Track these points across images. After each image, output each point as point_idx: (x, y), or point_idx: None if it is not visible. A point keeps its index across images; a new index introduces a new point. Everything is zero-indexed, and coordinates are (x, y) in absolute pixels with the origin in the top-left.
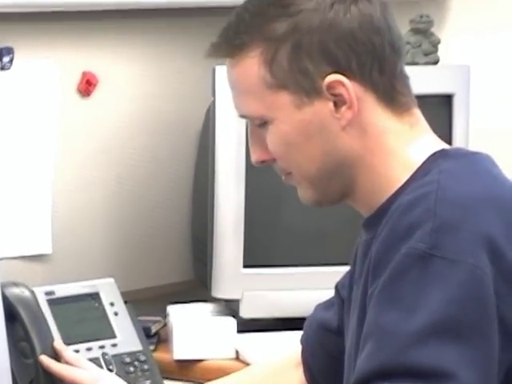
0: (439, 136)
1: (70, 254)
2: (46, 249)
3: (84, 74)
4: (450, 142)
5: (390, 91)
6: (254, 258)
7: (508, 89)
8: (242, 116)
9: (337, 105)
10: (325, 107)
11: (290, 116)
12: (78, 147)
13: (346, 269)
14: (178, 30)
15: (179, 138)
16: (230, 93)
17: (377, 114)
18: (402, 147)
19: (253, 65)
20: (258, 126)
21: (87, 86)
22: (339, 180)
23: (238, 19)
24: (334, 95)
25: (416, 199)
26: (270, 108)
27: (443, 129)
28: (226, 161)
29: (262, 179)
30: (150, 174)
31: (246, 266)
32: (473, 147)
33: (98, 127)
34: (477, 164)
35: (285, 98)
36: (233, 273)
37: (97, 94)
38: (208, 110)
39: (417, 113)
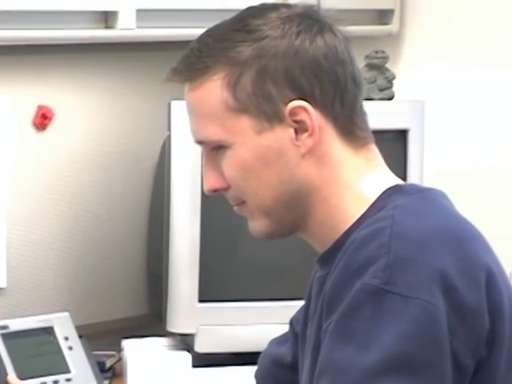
0: (394, 171)
1: (25, 288)
2: (0, 282)
3: (39, 107)
4: (404, 176)
5: (350, 124)
6: (209, 293)
7: (462, 123)
8: (199, 141)
9: (297, 132)
10: (285, 133)
11: (249, 141)
12: (32, 181)
13: (300, 303)
14: (132, 63)
15: (134, 172)
16: (188, 121)
17: (335, 146)
18: (358, 181)
19: (215, 87)
20: (214, 152)
21: (42, 119)
22: (294, 211)
23: (200, 44)
24: (296, 122)
25: (371, 234)
26: (229, 132)
27: (398, 164)
28: (182, 195)
29: (217, 213)
30: (104, 207)
31: (201, 300)
32: (427, 182)
33: (53, 160)
34: (430, 200)
35: (245, 123)
36: (188, 307)
37: (52, 127)
38: (163, 144)
39: (373, 148)
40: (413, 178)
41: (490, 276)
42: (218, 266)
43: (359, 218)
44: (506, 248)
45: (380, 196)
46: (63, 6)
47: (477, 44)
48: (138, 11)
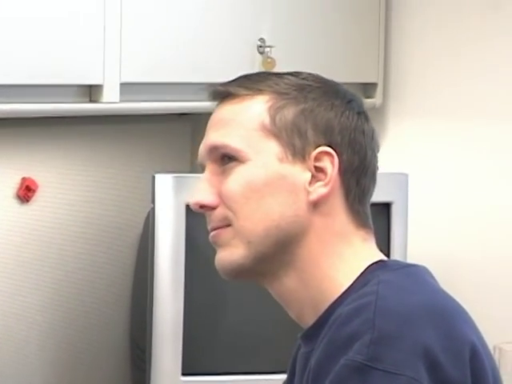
0: (377, 243)
1: (7, 362)
2: None
3: (23, 179)
4: (388, 249)
5: (357, 204)
6: (192, 366)
7: (446, 196)
8: (213, 147)
9: (314, 178)
10: (303, 174)
11: (268, 164)
12: (14, 252)
13: (285, 377)
14: (116, 136)
15: (118, 244)
16: (208, 132)
17: (340, 213)
18: (349, 255)
19: (258, 104)
20: (221, 164)
21: (26, 191)
22: (279, 252)
23: (256, 74)
24: (316, 168)
25: (355, 310)
26: (252, 148)
27: (382, 236)
28: (165, 267)
29: (201, 286)
30: (87, 279)
31: (184, 373)
32: (411, 255)
33: (36, 232)
34: (414, 275)
35: (272, 147)
36: (171, 381)
37: (36, 199)
38: (147, 217)
39: (371, 237)
40: (396, 250)
41: (475, 352)
42: (202, 338)
43: (343, 293)
44: (488, 323)
45: (364, 271)
46: (48, 80)
47: (461, 117)
48: (122, 85)
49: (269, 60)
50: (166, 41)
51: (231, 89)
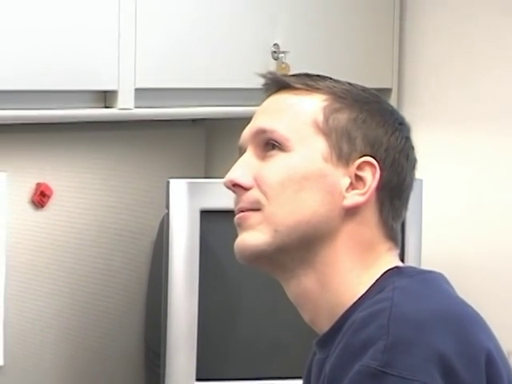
0: None
1: (22, 366)
2: None
3: (38, 185)
4: (402, 254)
5: (392, 218)
6: (206, 371)
7: (461, 202)
8: (261, 130)
9: (351, 185)
10: (342, 178)
11: (311, 158)
12: (29, 258)
13: (299, 382)
14: (131, 142)
15: (132, 249)
16: (260, 114)
17: (373, 224)
18: (371, 261)
19: (314, 102)
20: (264, 148)
21: (41, 197)
22: (303, 248)
23: (313, 74)
24: (357, 176)
25: (370, 316)
26: (300, 139)
27: None
28: (180, 272)
29: (215, 291)
30: (102, 284)
31: (198, 379)
32: (425, 261)
33: (51, 238)
34: (430, 282)
35: (320, 144)
36: None
37: (51, 205)
38: (161, 223)
39: (397, 248)
40: (411, 256)
41: (490, 359)
42: (216, 343)
43: (358, 299)
44: (503, 329)
45: (380, 277)
46: (63, 85)
47: (476, 123)
48: (137, 90)
49: (283, 65)
50: (181, 47)
51: (291, 80)
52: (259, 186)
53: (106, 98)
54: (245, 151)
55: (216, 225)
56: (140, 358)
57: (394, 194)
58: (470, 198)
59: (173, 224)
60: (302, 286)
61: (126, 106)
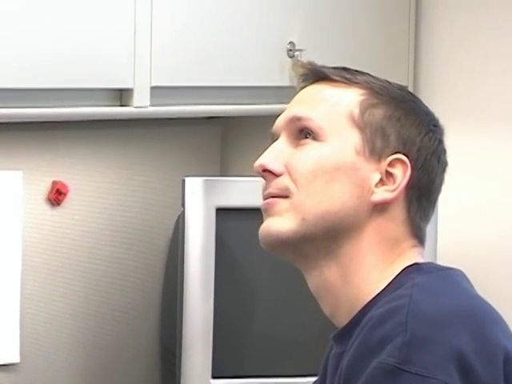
0: None
1: (38, 366)
2: (14, 357)
3: (54, 183)
4: None
5: (420, 218)
6: (222, 369)
7: (479, 199)
8: (296, 117)
9: (381, 181)
10: (373, 174)
11: (344, 150)
12: (45, 257)
13: None
14: (146, 140)
15: (148, 248)
16: (295, 104)
17: (400, 222)
18: (394, 257)
19: (352, 95)
20: (297, 136)
21: (57, 195)
22: (328, 238)
23: (351, 69)
24: (387, 173)
25: (388, 312)
26: (334, 130)
27: None
28: (195, 271)
29: (231, 289)
30: (117, 284)
31: (214, 376)
32: (441, 254)
33: (67, 236)
34: (449, 279)
35: (353, 137)
36: (201, 383)
37: (67, 203)
38: (177, 221)
39: (422, 247)
40: (426, 250)
41: (509, 357)
42: (232, 341)
43: (377, 295)
44: None
45: (399, 274)
46: (79, 84)
47: (494, 121)
48: (152, 89)
49: (299, 64)
50: (196, 45)
51: (329, 72)
52: (290, 174)
53: (122, 96)
54: (277, 138)
55: (232, 223)
56: (156, 357)
57: (423, 194)
58: (488, 195)
59: (188, 222)
60: (324, 277)
61: (141, 104)
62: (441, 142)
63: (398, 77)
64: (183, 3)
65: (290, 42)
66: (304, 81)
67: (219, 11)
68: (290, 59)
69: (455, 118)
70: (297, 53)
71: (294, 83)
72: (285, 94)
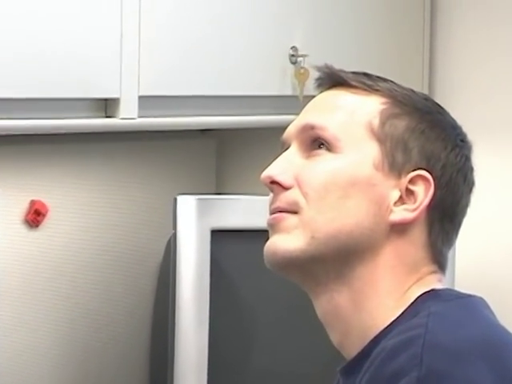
0: None
1: None
2: None
3: (32, 202)
4: None
5: (442, 241)
6: None
7: (499, 220)
8: (309, 126)
9: (401, 199)
10: (392, 190)
11: (361, 163)
12: (23, 283)
13: None
14: (134, 154)
15: (136, 273)
16: (310, 110)
17: (420, 245)
18: (412, 283)
19: (372, 104)
20: (310, 146)
21: (35, 215)
22: (339, 260)
23: (372, 74)
24: (408, 190)
25: (402, 344)
26: (350, 141)
27: None
28: (188, 298)
29: (227, 319)
30: (103, 311)
31: None
32: (459, 280)
33: (47, 261)
34: (469, 307)
35: (372, 150)
36: None
37: (46, 224)
38: (168, 244)
39: (442, 273)
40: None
41: None
42: (229, 376)
43: (390, 324)
44: None
45: (414, 301)
46: (59, 93)
47: (505, 120)
48: (141, 98)
49: (302, 71)
50: (189, 50)
51: (348, 77)
52: (300, 187)
53: (107, 106)
54: (288, 147)
55: (228, 246)
56: None
57: (446, 215)
58: (507, 212)
59: (180, 245)
60: (334, 303)
61: (128, 116)
62: (468, 158)
63: (412, 84)
64: (174, 4)
65: (293, 47)
66: (319, 86)
67: (213, 13)
68: (292, 65)
69: (475, 130)
70: (300, 58)
71: (297, 92)
72: (286, 104)
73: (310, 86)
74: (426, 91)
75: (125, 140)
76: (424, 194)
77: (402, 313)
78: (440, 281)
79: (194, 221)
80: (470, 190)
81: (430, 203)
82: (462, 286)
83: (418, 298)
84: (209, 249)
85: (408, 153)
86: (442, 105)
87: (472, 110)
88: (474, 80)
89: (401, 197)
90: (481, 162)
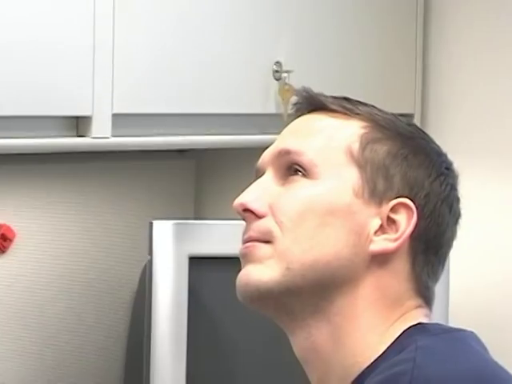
0: None
1: None
2: None
3: None
4: None
5: (427, 274)
6: None
7: (493, 251)
8: (285, 151)
9: (381, 228)
10: (372, 219)
11: (340, 189)
12: None
13: None
14: (107, 175)
15: (108, 303)
16: (288, 135)
17: (402, 277)
18: (395, 318)
19: (351, 128)
20: (285, 172)
21: (2, 241)
22: (315, 295)
23: (352, 99)
24: (389, 219)
25: (388, 380)
26: (328, 166)
27: None
28: (165, 331)
29: (206, 353)
30: (73, 344)
31: None
32: (453, 315)
33: (13, 290)
34: (458, 341)
35: (351, 176)
36: None
37: (13, 250)
38: (143, 271)
39: (428, 308)
40: (436, 312)
41: None
42: None
43: (375, 361)
44: None
45: (399, 336)
46: (28, 110)
47: (508, 154)
48: (114, 116)
49: (286, 87)
50: (166, 65)
51: (327, 101)
52: (274, 215)
53: (79, 124)
54: (263, 174)
55: (207, 274)
56: None
57: (430, 247)
58: (504, 245)
59: (156, 273)
60: (312, 340)
61: (101, 135)
62: (454, 187)
63: (403, 106)
64: (150, 17)
65: (277, 62)
66: (298, 110)
67: (191, 24)
68: (276, 82)
69: (468, 158)
70: (284, 74)
71: (281, 110)
72: (270, 122)
73: None
74: (417, 110)
75: (97, 160)
76: (406, 223)
77: (387, 349)
78: (426, 316)
79: (170, 247)
80: (456, 221)
81: (412, 233)
82: (457, 321)
83: (404, 332)
84: (186, 277)
85: (389, 179)
86: (435, 131)
87: (466, 134)
88: (472, 103)
89: (381, 226)
90: (475, 186)
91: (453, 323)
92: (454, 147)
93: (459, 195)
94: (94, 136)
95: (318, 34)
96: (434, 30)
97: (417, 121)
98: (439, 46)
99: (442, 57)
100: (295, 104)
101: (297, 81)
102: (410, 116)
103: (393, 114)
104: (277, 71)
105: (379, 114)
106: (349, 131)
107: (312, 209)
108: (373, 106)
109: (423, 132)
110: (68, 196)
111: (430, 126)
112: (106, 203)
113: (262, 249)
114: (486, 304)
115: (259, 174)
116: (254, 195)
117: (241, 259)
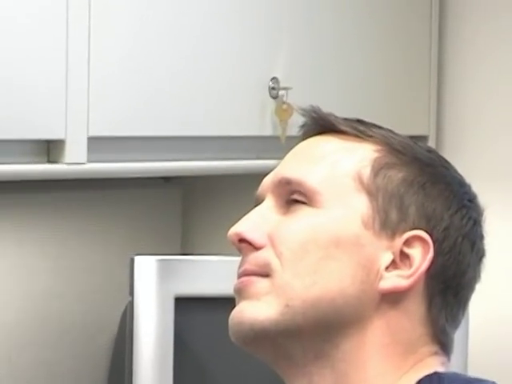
0: None
1: None
2: None
3: None
4: None
5: (445, 317)
6: None
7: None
8: (285, 180)
9: (394, 264)
10: (383, 253)
11: (347, 219)
12: None
13: None
14: (83, 206)
15: (86, 350)
16: (291, 159)
17: (417, 319)
18: (409, 366)
19: (362, 151)
20: (287, 202)
21: None
22: (317, 337)
23: (365, 121)
24: (403, 254)
25: None
26: (334, 194)
27: None
28: (148, 379)
29: None
30: None
31: None
32: (472, 365)
33: None
34: None
35: (360, 204)
36: None
37: None
38: (124, 313)
39: (444, 358)
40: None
41: None
42: None
43: None
44: None
45: None
46: None
47: None
48: (90, 140)
49: (284, 106)
50: (147, 84)
51: (337, 122)
52: (274, 246)
53: (50, 149)
54: (262, 202)
55: (195, 316)
56: None
57: (450, 287)
58: None
59: (138, 315)
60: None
61: (76, 160)
62: (477, 222)
63: (417, 125)
64: (131, 30)
65: (273, 78)
66: (305, 133)
67: (176, 40)
68: (273, 100)
69: (486, 177)
70: (282, 92)
71: (278, 132)
72: (266, 146)
73: (293, 125)
74: (432, 132)
75: (72, 189)
76: (422, 258)
77: None
78: (443, 364)
79: (154, 286)
80: (480, 261)
81: (428, 270)
82: (476, 371)
83: (418, 382)
84: (172, 320)
85: (404, 210)
86: (449, 150)
87: (485, 158)
88: (485, 122)
89: (394, 261)
90: (496, 214)
91: (472, 373)
92: (469, 169)
93: (484, 232)
94: (67, 162)
95: (319, 46)
96: (451, 47)
97: (431, 143)
98: (455, 63)
99: (458, 75)
100: (302, 126)
101: (295, 99)
102: (424, 138)
103: (411, 139)
104: (273, 88)
105: (395, 137)
106: (360, 155)
107: (315, 239)
108: (389, 130)
109: (444, 159)
110: (39, 229)
111: (445, 149)
112: (82, 238)
113: (259, 283)
114: (508, 352)
115: (259, 202)
116: (251, 224)
117: (235, 295)
